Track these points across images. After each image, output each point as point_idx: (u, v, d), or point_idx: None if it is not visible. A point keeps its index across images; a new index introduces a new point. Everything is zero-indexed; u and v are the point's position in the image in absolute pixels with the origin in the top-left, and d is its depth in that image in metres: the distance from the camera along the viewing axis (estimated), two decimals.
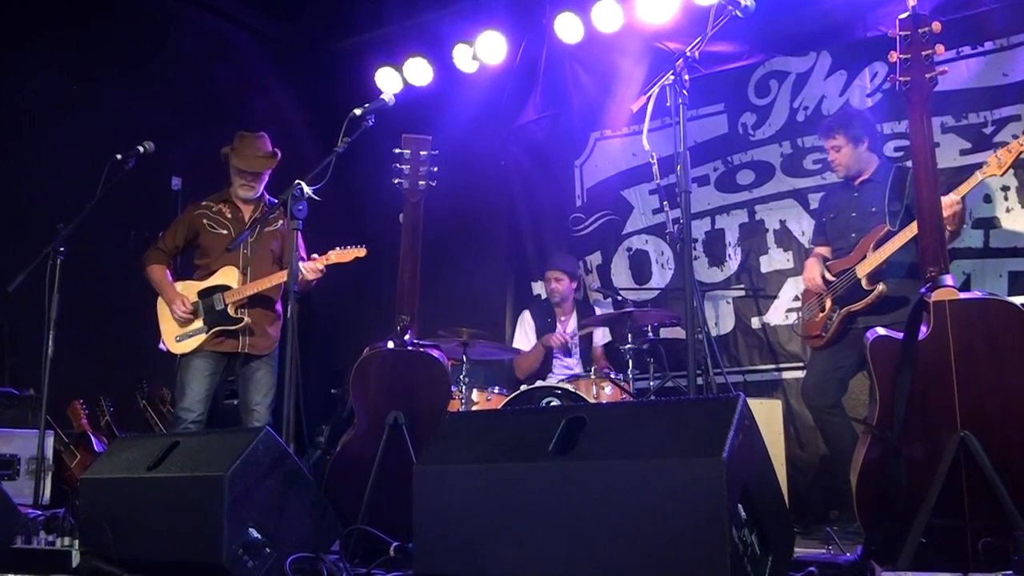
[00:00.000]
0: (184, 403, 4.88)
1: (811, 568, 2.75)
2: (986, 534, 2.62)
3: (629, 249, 6.96)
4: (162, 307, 5.04)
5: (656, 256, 6.85)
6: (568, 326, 6.38)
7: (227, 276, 4.98)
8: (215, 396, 5.13)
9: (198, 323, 4.93)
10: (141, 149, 4.73)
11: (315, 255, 4.92)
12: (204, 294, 4.96)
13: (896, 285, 4.52)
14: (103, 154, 4.67)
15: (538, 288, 7.27)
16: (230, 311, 4.90)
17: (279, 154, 5.15)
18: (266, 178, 5.16)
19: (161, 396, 6.42)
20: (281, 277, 4.85)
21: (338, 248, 4.92)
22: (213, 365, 4.97)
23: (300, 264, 4.61)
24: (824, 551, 3.58)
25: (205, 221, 5.09)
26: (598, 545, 2.22)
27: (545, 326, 6.38)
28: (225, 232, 5.05)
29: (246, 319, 4.90)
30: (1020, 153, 4.15)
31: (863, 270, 4.57)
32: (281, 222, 5.06)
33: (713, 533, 2.07)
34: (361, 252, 4.91)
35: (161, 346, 5.05)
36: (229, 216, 5.11)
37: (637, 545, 2.16)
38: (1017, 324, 2.87)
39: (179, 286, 5.02)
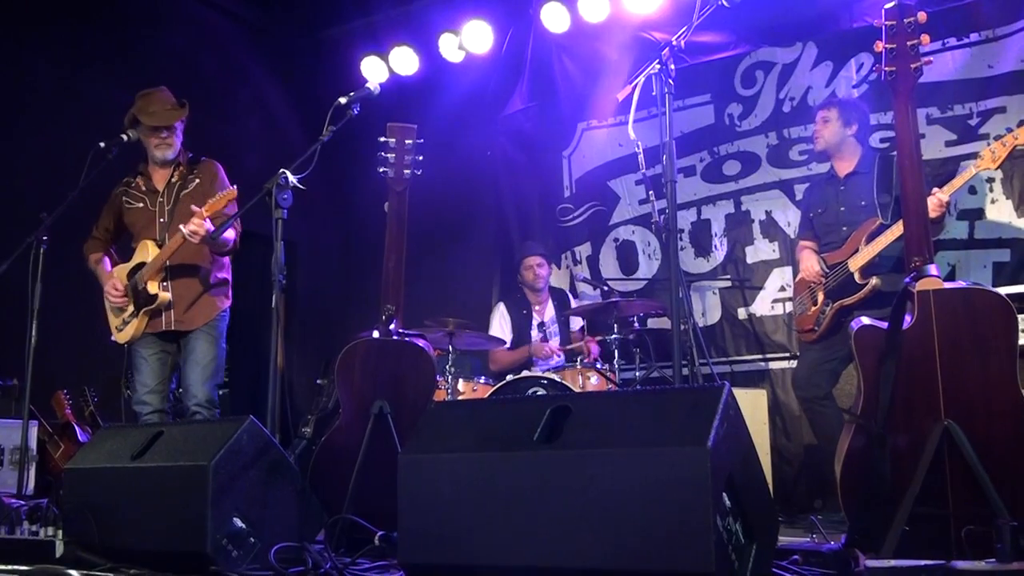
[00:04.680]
0: (136, 396, 4.66)
1: (795, 556, 2.76)
2: (969, 522, 2.63)
3: (616, 240, 6.97)
4: (105, 296, 4.77)
5: (643, 247, 6.86)
6: (545, 314, 6.37)
7: (144, 251, 4.63)
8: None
9: (131, 307, 4.64)
10: (125, 138, 4.62)
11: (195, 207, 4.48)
12: (131, 275, 4.66)
13: (888, 279, 4.52)
14: (87, 143, 4.63)
15: None
16: (149, 289, 4.55)
17: (187, 104, 4.79)
18: (181, 134, 4.79)
19: None
20: (170, 249, 4.48)
21: (210, 201, 4.44)
22: (158, 349, 4.67)
23: (181, 227, 4.35)
24: (808, 539, 3.60)
25: (124, 199, 4.77)
26: (582, 534, 2.22)
27: (521, 318, 6.35)
28: (140, 205, 4.72)
29: (162, 295, 4.54)
30: (1015, 147, 4.17)
31: (856, 264, 4.57)
32: (197, 181, 4.72)
33: (697, 521, 2.08)
34: (232, 193, 4.39)
35: (112, 338, 4.76)
36: (144, 188, 4.74)
37: (621, 534, 2.17)
38: (1001, 314, 2.88)
39: (116, 271, 4.74)
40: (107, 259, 4.83)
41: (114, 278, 4.69)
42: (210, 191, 4.65)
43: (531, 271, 6.39)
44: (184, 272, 4.63)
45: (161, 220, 4.68)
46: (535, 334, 6.30)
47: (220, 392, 4.71)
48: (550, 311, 6.41)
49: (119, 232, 4.87)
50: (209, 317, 4.67)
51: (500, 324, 6.41)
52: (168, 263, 4.59)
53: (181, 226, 4.36)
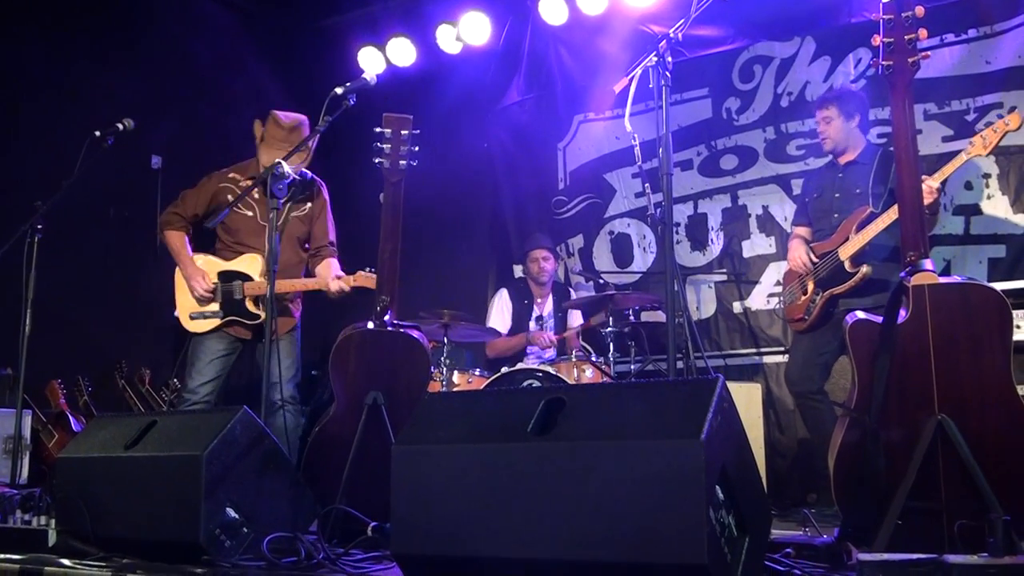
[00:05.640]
0: (190, 385, 4.72)
1: (788, 549, 2.76)
2: (961, 516, 2.64)
3: (611, 232, 6.96)
4: (179, 278, 4.79)
5: (638, 240, 6.85)
6: (545, 308, 6.37)
7: (250, 265, 4.73)
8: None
9: (215, 306, 4.71)
10: (121, 127, 4.63)
11: (342, 274, 4.70)
12: (225, 277, 4.73)
13: (878, 268, 4.52)
14: (83, 131, 4.62)
15: (520, 271, 7.25)
16: (248, 305, 4.68)
17: (312, 143, 4.67)
18: (303, 160, 4.77)
19: (140, 375, 6.40)
20: (306, 285, 4.75)
21: (363, 272, 4.60)
22: (226, 347, 4.76)
23: (330, 281, 4.63)
24: (801, 533, 3.60)
25: (229, 197, 4.77)
26: (576, 526, 2.22)
27: (522, 308, 6.37)
28: (251, 214, 4.77)
29: (263, 315, 4.61)
30: (1006, 133, 4.16)
31: (846, 252, 4.56)
32: (310, 204, 4.84)
33: (690, 514, 2.07)
34: (373, 280, 4.43)
35: (176, 313, 4.82)
36: (256, 196, 4.76)
37: (615, 526, 2.16)
38: (995, 309, 2.88)
39: (199, 260, 4.78)
40: (188, 241, 4.87)
41: (204, 272, 4.75)
42: (317, 218, 4.88)
43: (536, 263, 6.40)
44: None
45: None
46: (532, 326, 6.31)
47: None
48: (550, 306, 6.42)
49: (206, 219, 4.81)
50: (290, 325, 4.86)
51: (500, 310, 6.43)
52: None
53: (330, 282, 4.65)
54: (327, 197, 4.96)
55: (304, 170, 4.81)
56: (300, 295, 4.97)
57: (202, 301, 4.74)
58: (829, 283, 4.65)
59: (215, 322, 4.72)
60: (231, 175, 4.87)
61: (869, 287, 4.49)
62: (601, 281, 6.50)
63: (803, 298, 4.81)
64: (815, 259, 4.77)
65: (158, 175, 6.70)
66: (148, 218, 6.23)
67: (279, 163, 3.82)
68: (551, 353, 6.13)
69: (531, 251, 6.47)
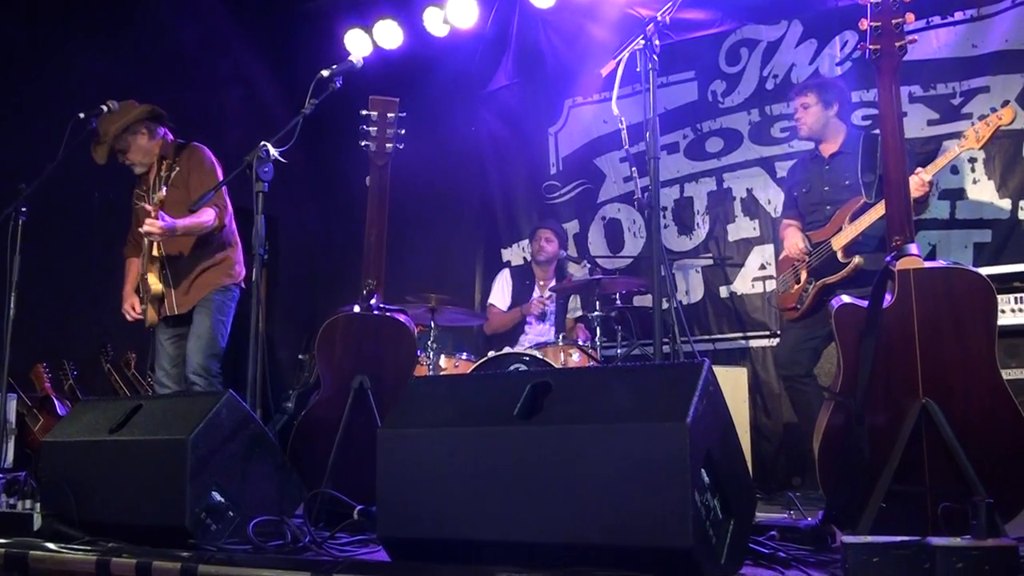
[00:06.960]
0: (156, 378, 4.89)
1: (772, 532, 2.77)
2: (945, 499, 2.65)
3: (603, 218, 6.97)
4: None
5: (628, 224, 6.85)
6: (547, 291, 6.39)
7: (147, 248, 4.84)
8: None
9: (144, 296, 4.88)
10: (105, 108, 4.62)
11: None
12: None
13: (870, 258, 4.52)
14: (67, 113, 4.59)
15: (508, 255, 7.27)
16: (148, 280, 4.74)
17: (102, 132, 4.72)
18: (144, 141, 4.85)
19: (126, 359, 6.38)
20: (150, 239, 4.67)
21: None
22: (171, 334, 4.86)
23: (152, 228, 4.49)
24: (786, 516, 3.63)
25: (135, 200, 4.98)
26: (562, 509, 2.22)
27: (523, 288, 6.39)
28: (142, 204, 4.86)
29: (154, 287, 4.71)
30: (998, 127, 4.16)
31: (839, 242, 4.56)
32: (178, 169, 4.80)
33: (676, 497, 2.08)
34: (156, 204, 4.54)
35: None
36: (144, 186, 4.93)
37: (600, 509, 2.17)
38: (980, 293, 2.89)
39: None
40: (136, 261, 4.95)
41: (130, 301, 4.90)
42: (188, 178, 4.79)
43: (538, 243, 6.48)
44: (179, 259, 4.77)
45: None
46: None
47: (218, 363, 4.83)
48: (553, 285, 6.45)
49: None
50: (201, 295, 4.78)
51: (501, 287, 6.51)
52: (163, 254, 4.73)
53: (140, 228, 4.52)
54: (196, 157, 4.88)
55: (179, 140, 4.94)
56: (232, 260, 4.94)
57: (141, 296, 4.85)
58: (822, 273, 4.65)
59: (148, 311, 4.80)
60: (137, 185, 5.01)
61: (863, 277, 4.47)
62: (591, 266, 6.51)
63: (796, 287, 4.80)
64: (810, 247, 4.76)
65: None
66: (133, 201, 6.20)
67: (265, 146, 3.79)
68: (550, 335, 6.14)
69: (537, 230, 6.56)
